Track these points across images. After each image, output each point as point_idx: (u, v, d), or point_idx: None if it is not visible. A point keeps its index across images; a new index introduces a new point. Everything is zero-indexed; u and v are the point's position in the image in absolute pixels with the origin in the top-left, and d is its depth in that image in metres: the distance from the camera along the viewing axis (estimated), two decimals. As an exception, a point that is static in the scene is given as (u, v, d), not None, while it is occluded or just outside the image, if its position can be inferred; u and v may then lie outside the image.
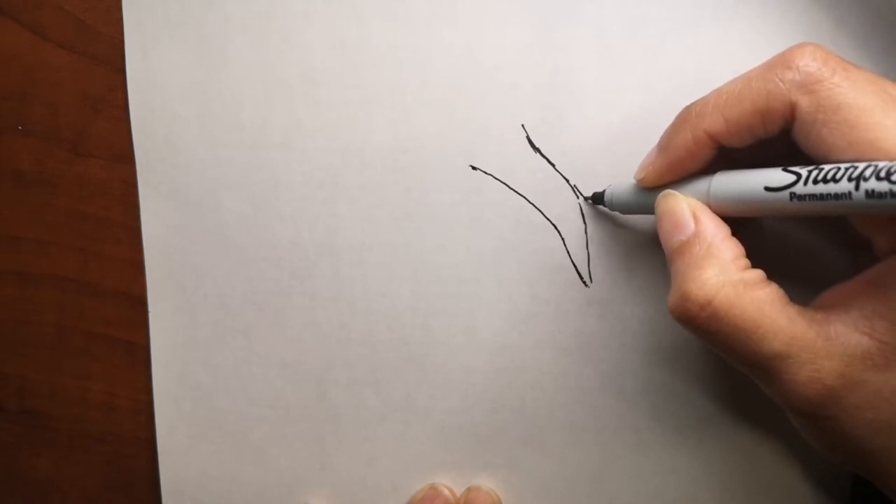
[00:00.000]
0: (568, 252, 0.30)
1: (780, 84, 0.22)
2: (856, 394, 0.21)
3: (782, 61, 0.22)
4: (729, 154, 0.24)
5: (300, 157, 0.30)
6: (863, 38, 0.28)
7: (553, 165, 0.29)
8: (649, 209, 0.26)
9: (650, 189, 0.26)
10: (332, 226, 0.30)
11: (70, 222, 0.31)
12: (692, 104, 0.25)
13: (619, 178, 0.28)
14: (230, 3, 0.29)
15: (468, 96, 0.29)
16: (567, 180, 0.29)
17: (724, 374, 0.30)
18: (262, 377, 0.31)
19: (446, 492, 0.31)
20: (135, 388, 0.32)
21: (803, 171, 0.21)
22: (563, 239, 0.30)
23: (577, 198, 0.29)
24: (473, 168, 0.30)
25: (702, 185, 0.24)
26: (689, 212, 0.24)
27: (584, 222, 0.30)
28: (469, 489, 0.31)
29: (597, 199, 0.29)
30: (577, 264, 0.30)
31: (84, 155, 0.31)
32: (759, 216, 0.27)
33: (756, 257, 0.23)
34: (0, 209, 0.31)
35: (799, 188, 0.21)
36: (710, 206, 0.24)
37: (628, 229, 0.29)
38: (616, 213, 0.29)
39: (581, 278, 0.30)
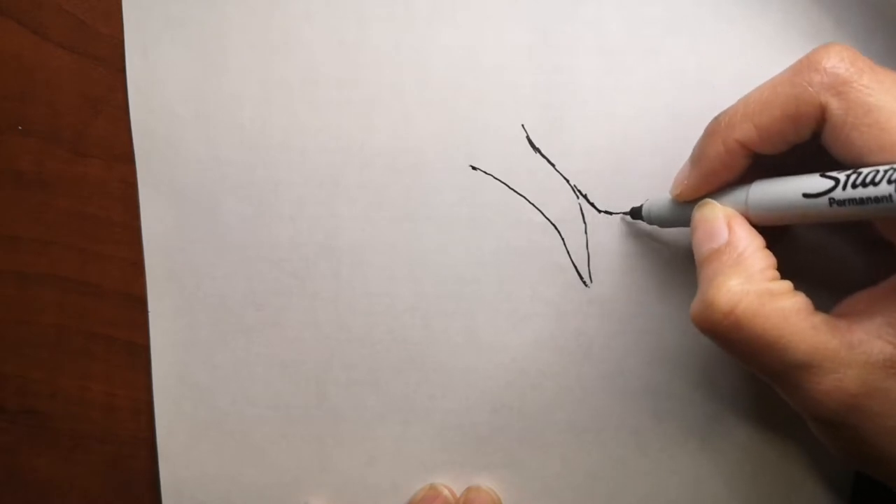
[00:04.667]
0: (568, 252, 0.30)
1: (809, 88, 0.22)
2: (878, 402, 0.21)
3: (809, 64, 0.22)
4: (762, 161, 0.24)
5: (300, 157, 0.30)
6: (863, 39, 0.28)
7: (553, 165, 0.29)
8: (687, 222, 0.25)
9: (687, 203, 0.26)
10: (332, 226, 0.30)
11: (70, 222, 0.31)
12: (720, 115, 0.24)
13: (620, 177, 0.28)
14: (230, 3, 0.29)
15: (468, 96, 0.29)
16: (567, 180, 0.29)
17: (725, 374, 0.30)
18: (262, 377, 0.31)
19: (446, 492, 0.31)
20: (135, 388, 0.32)
21: (841, 176, 0.21)
22: (563, 239, 0.30)
23: (578, 198, 0.29)
24: (473, 168, 0.30)
25: (740, 194, 0.24)
26: (723, 220, 0.23)
27: (584, 222, 0.30)
28: (469, 489, 0.31)
29: (635, 214, 0.28)
30: (577, 264, 0.30)
31: (84, 155, 0.31)
32: (798, 223, 0.27)
33: (785, 266, 0.23)
34: (0, 209, 0.31)
35: (838, 193, 0.21)
36: (749, 216, 0.24)
37: (628, 229, 0.29)
38: (654, 227, 0.29)
39: (581, 278, 0.30)
